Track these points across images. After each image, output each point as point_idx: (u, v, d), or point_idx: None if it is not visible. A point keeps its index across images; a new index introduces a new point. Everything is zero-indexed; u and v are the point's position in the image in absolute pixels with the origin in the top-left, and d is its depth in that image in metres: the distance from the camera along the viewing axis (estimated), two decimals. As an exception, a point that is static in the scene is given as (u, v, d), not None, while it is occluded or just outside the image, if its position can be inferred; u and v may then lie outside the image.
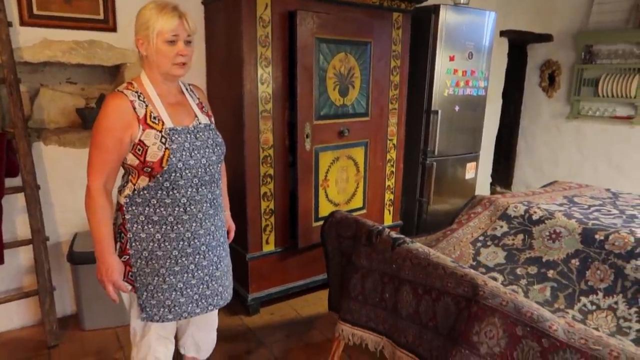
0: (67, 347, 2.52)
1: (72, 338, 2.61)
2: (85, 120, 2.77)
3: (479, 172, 3.97)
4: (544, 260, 2.09)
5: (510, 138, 5.47)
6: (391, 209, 3.37)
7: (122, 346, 2.52)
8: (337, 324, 1.91)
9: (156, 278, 1.65)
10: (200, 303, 1.74)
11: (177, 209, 1.62)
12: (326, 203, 2.93)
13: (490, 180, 5.13)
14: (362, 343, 1.82)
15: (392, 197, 3.35)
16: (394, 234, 1.78)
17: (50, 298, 2.54)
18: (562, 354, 1.15)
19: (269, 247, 2.84)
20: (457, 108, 3.52)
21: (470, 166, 3.69)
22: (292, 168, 2.79)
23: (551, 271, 2.03)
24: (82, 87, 2.90)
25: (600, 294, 1.86)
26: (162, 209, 1.61)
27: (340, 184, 3.00)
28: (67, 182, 2.66)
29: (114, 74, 2.90)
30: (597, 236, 2.01)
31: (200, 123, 1.69)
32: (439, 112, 3.38)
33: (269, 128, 2.67)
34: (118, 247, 1.65)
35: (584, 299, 1.88)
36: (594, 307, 1.84)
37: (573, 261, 2.01)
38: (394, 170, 3.31)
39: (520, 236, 2.25)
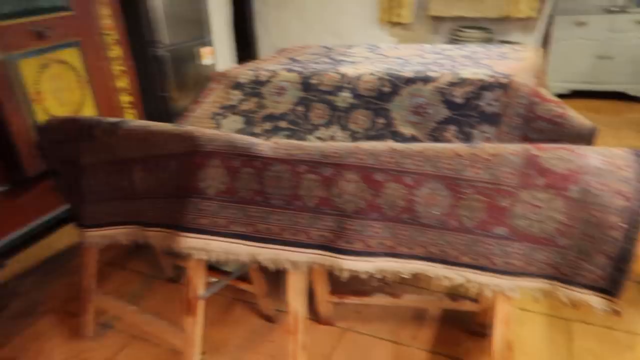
0: None
1: None
2: None
3: (220, 59, 3.94)
4: (276, 114, 2.24)
5: (246, 24, 5.52)
6: (133, 111, 3.11)
7: None
8: (83, 235, 1.74)
9: None
10: None
11: None
12: (48, 119, 2.52)
13: (238, 69, 5.19)
14: (115, 242, 1.70)
15: (130, 98, 3.08)
16: (111, 120, 1.63)
17: None
18: (271, 167, 1.26)
19: (-10, 188, 2.36)
20: (174, -9, 3.31)
21: (206, 51, 3.61)
22: (-14, 87, 2.27)
23: (283, 122, 2.20)
24: None
25: (322, 129, 2.11)
26: None
27: (61, 94, 2.59)
28: None
29: None
30: (312, 81, 2.22)
31: None
32: (153, -5, 3.12)
33: None
34: None
35: (311, 137, 2.11)
36: (319, 140, 2.09)
37: (298, 108, 2.21)
38: (124, 68, 3.00)
39: (254, 99, 2.34)
